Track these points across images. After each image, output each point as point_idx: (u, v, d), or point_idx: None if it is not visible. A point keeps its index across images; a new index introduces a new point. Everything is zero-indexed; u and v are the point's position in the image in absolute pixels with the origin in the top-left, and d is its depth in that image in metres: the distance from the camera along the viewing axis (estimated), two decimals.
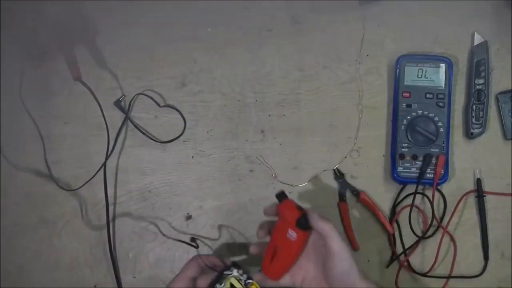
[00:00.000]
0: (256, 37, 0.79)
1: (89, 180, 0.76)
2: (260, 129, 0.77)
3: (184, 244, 0.75)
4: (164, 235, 0.75)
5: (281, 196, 0.61)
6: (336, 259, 0.57)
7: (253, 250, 0.64)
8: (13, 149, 0.78)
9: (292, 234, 0.59)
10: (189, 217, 0.76)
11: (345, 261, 0.57)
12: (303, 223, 0.59)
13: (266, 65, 0.78)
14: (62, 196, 0.77)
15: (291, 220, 0.59)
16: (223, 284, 0.61)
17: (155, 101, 0.77)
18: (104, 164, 0.75)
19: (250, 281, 0.62)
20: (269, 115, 0.77)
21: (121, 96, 0.78)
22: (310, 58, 0.78)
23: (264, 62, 0.78)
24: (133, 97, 0.78)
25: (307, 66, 0.78)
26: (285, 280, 0.62)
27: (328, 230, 0.57)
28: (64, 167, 0.78)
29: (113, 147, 0.77)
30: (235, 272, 0.62)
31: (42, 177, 0.77)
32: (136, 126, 0.77)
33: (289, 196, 0.75)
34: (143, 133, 0.77)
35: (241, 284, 0.61)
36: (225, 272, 0.62)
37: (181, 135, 0.77)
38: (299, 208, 0.60)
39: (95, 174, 0.76)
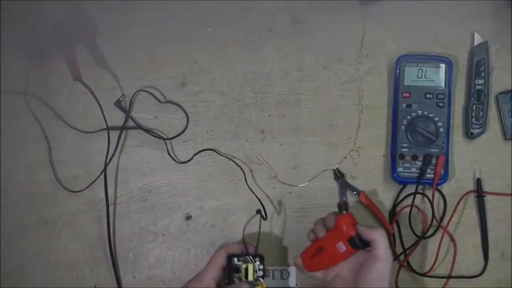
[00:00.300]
0: (256, 37, 0.79)
1: (93, 182, 0.76)
2: (260, 129, 0.77)
3: (184, 244, 0.75)
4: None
5: (342, 207, 0.66)
6: (377, 264, 0.59)
7: (311, 237, 0.66)
8: (13, 149, 0.78)
9: (342, 247, 0.62)
10: (189, 217, 0.76)
11: (383, 269, 0.59)
12: (355, 242, 0.62)
13: (266, 65, 0.78)
14: (62, 196, 0.77)
15: (345, 235, 0.62)
16: (241, 262, 0.64)
17: (155, 98, 0.77)
18: (105, 165, 0.75)
19: (261, 280, 0.64)
20: (269, 115, 0.77)
21: (121, 96, 0.78)
22: (310, 58, 0.78)
23: (264, 62, 0.78)
24: (134, 94, 0.78)
25: (307, 66, 0.78)
26: (318, 273, 0.65)
27: (378, 236, 0.60)
28: (64, 167, 0.78)
29: (116, 147, 0.77)
30: (256, 263, 0.64)
31: (42, 177, 0.77)
32: (138, 125, 0.77)
33: (289, 196, 0.75)
34: (145, 130, 0.77)
35: (253, 276, 0.64)
36: (250, 256, 0.64)
37: (184, 130, 0.77)
38: (355, 225, 0.63)
39: (98, 176, 0.76)
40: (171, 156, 0.76)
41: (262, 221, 0.69)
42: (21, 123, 0.78)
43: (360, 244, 0.62)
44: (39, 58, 0.79)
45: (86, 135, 0.78)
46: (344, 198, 0.75)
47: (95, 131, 0.77)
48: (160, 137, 0.77)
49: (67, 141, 0.78)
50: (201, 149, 0.77)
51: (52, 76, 0.79)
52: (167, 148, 0.76)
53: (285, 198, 0.76)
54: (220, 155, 0.76)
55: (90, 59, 0.79)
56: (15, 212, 0.77)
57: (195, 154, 0.77)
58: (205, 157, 0.77)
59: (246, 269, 0.64)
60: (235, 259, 0.65)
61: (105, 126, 0.77)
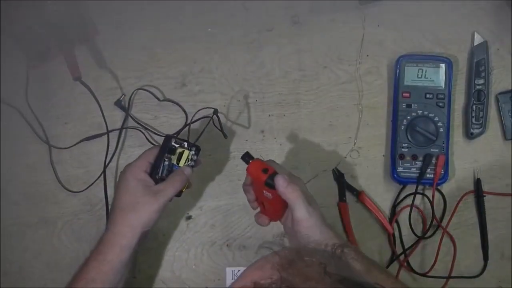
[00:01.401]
0: (256, 37, 0.79)
1: (93, 183, 0.76)
2: (260, 129, 0.77)
3: (184, 244, 0.75)
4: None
5: (246, 157, 0.61)
6: (298, 227, 0.59)
7: (253, 204, 0.67)
8: (13, 149, 0.78)
9: (267, 194, 0.60)
10: (189, 217, 0.76)
11: (306, 229, 0.58)
12: (271, 185, 0.59)
13: (266, 65, 0.78)
14: (62, 196, 0.77)
15: (260, 183, 0.59)
16: (178, 145, 0.66)
17: (154, 95, 0.77)
18: (104, 165, 0.75)
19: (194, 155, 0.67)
20: (269, 115, 0.77)
21: (121, 96, 0.78)
22: (310, 58, 0.78)
23: (264, 62, 0.78)
24: (133, 92, 0.78)
25: (307, 66, 0.78)
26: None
27: (292, 200, 0.58)
28: (64, 167, 0.78)
29: (116, 147, 0.77)
30: (191, 152, 0.66)
31: (42, 177, 0.77)
32: (138, 122, 0.77)
33: None
34: (146, 128, 0.77)
35: (185, 163, 0.66)
36: (187, 143, 0.66)
37: (184, 127, 0.76)
38: (265, 170, 0.59)
39: (98, 177, 0.75)
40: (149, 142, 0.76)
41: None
42: (21, 123, 0.78)
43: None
44: (39, 58, 0.79)
45: (86, 135, 0.78)
46: (344, 198, 0.75)
47: (95, 131, 0.77)
48: (160, 134, 0.77)
49: (67, 141, 0.78)
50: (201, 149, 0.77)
51: (52, 76, 0.79)
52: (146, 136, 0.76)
53: None
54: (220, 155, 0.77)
55: (90, 59, 0.79)
56: (15, 212, 0.77)
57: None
58: (204, 157, 0.77)
59: (181, 154, 0.65)
60: (173, 140, 0.65)
61: (104, 126, 0.77)
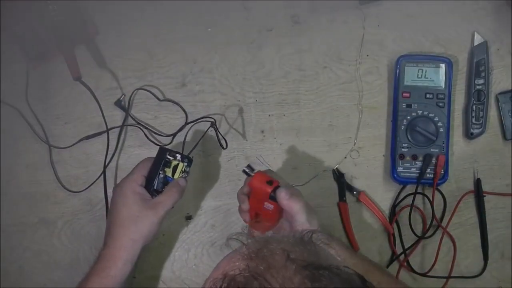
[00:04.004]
0: (256, 37, 0.79)
1: (93, 183, 0.76)
2: (260, 129, 0.77)
3: (184, 244, 0.75)
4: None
5: (248, 171, 0.63)
6: None
7: (244, 217, 0.66)
8: (13, 149, 0.78)
9: (269, 206, 0.62)
10: (189, 217, 0.76)
11: None
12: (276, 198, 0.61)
13: (266, 65, 0.78)
14: (62, 196, 0.77)
15: (265, 194, 0.61)
16: (172, 158, 0.66)
17: (154, 95, 0.77)
18: (104, 165, 0.75)
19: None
20: (269, 115, 0.77)
21: (121, 96, 0.78)
22: (310, 58, 0.78)
23: (264, 62, 0.78)
24: (133, 92, 0.78)
25: (307, 66, 0.78)
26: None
27: (295, 210, 0.60)
28: (64, 167, 0.78)
29: (116, 147, 0.77)
30: (184, 164, 0.66)
31: (42, 177, 0.77)
32: (138, 122, 0.77)
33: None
34: (146, 127, 0.77)
35: (179, 175, 0.66)
36: (181, 155, 0.66)
37: (183, 126, 0.76)
38: (269, 182, 0.61)
39: (98, 177, 0.76)
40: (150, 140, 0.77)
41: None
42: (21, 123, 0.78)
43: None
44: (39, 58, 0.79)
45: (86, 135, 0.77)
46: (344, 198, 0.75)
47: (95, 131, 0.77)
48: (161, 134, 0.77)
49: (67, 141, 0.78)
50: (200, 149, 0.77)
51: (52, 76, 0.79)
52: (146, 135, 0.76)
53: None
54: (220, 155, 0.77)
55: (90, 59, 0.79)
56: (15, 212, 0.77)
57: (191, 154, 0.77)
58: (204, 157, 0.77)
59: (175, 167, 0.66)
60: (167, 153, 0.66)
61: (104, 126, 0.77)
